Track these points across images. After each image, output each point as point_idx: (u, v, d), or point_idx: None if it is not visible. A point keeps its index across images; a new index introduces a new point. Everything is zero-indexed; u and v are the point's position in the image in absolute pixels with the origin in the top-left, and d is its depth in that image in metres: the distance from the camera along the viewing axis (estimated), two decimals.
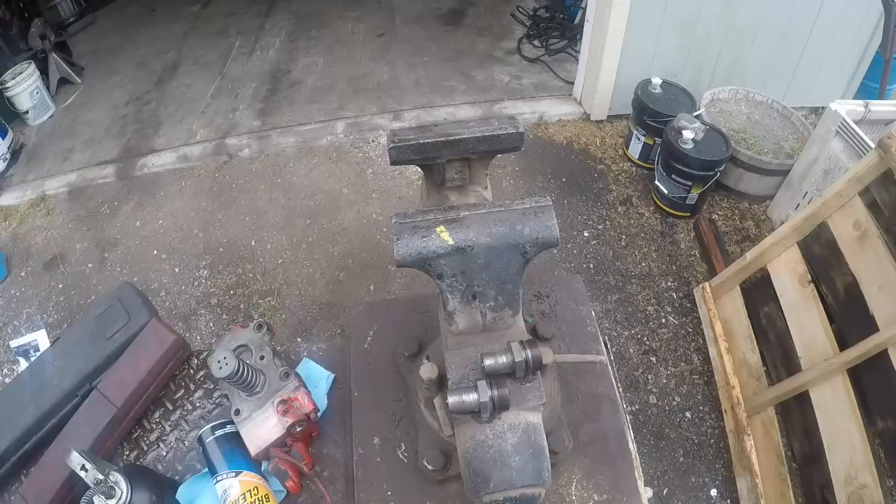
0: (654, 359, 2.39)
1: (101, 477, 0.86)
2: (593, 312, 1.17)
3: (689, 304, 2.55)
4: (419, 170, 0.87)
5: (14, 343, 2.58)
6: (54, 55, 4.21)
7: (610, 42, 3.08)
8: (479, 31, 4.50)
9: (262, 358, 1.02)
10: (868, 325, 1.58)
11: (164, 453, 1.10)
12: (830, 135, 2.35)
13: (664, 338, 2.46)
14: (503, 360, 0.70)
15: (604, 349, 1.14)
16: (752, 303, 2.19)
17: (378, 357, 1.08)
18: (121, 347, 1.14)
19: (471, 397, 0.67)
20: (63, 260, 3.04)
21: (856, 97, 3.21)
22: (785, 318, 1.92)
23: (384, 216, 3.04)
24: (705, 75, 3.26)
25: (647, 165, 3.16)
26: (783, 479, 1.84)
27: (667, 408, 2.25)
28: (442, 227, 0.73)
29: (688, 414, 2.23)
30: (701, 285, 2.46)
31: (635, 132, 3.10)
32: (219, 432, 1.00)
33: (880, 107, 2.40)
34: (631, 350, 2.42)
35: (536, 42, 4.24)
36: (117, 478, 0.88)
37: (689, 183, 2.71)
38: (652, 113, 2.93)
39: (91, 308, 1.49)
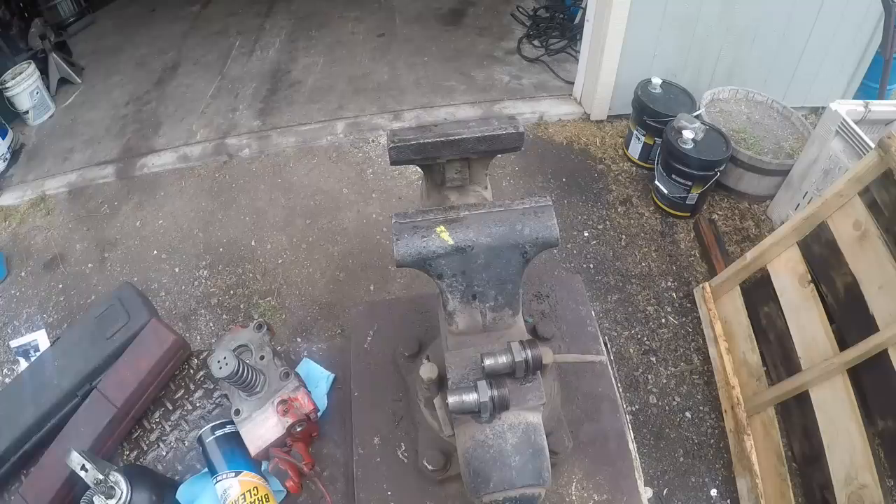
0: (654, 359, 2.39)
1: (101, 477, 0.86)
2: (593, 312, 1.17)
3: (689, 304, 2.55)
4: (419, 170, 0.87)
5: (14, 343, 2.58)
6: (54, 55, 4.21)
7: (610, 42, 3.08)
8: (479, 31, 4.50)
9: (262, 358, 1.02)
10: (868, 325, 1.58)
11: (164, 453, 1.10)
12: (830, 135, 2.35)
13: (664, 338, 2.46)
14: (503, 360, 0.70)
15: (604, 349, 1.13)
16: (752, 303, 2.19)
17: (378, 357, 1.08)
18: (121, 347, 1.14)
19: (471, 397, 0.67)
20: (63, 260, 3.04)
21: (856, 97, 3.20)
22: (785, 318, 1.92)
23: (384, 216, 3.04)
24: (705, 75, 3.26)
25: (647, 165, 3.16)
26: (783, 479, 1.84)
27: (667, 408, 2.25)
28: (442, 227, 0.73)
29: (688, 414, 2.23)
30: (701, 285, 2.46)
31: (635, 132, 3.10)
32: (219, 432, 1.00)
33: (880, 107, 2.40)
34: (631, 350, 2.42)
35: (536, 42, 4.24)
36: (117, 478, 0.87)
37: (689, 183, 2.71)
38: (652, 113, 2.93)
39: (91, 308, 1.50)
